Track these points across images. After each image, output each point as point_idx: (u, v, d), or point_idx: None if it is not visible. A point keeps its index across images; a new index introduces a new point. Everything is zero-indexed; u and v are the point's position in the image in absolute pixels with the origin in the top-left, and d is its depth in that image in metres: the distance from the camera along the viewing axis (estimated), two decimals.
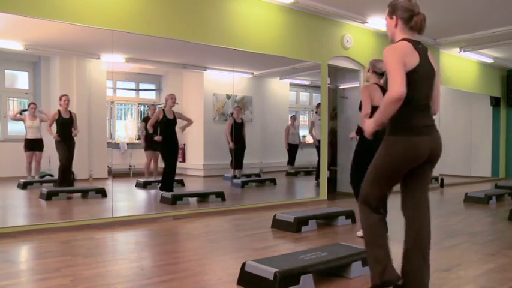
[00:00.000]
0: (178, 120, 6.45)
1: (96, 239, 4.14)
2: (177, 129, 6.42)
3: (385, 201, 3.21)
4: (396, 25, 2.41)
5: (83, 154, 6.14)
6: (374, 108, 4.12)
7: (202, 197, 6.09)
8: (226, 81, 7.04)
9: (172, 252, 3.73)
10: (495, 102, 11.03)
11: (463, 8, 6.49)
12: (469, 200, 6.89)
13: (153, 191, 6.79)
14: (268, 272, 2.64)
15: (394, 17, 2.41)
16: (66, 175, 5.96)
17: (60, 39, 5.56)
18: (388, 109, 2.24)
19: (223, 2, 5.71)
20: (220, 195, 6.07)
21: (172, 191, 6.10)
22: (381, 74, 4.24)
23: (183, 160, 7.62)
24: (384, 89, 4.25)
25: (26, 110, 6.03)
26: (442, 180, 9.06)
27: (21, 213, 5.24)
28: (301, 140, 8.86)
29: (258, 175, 8.17)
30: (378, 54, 7.29)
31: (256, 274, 2.71)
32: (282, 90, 8.84)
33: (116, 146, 7.05)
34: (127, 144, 7.14)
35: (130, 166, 7.13)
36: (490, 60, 9.98)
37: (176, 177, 6.51)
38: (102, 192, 5.73)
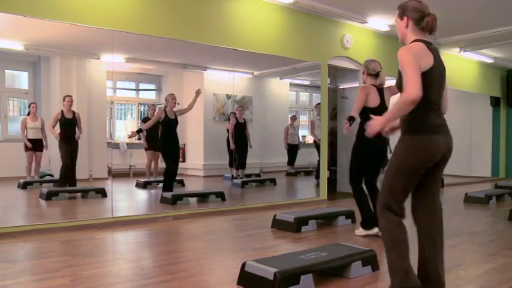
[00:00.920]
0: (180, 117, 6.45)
1: (96, 239, 4.14)
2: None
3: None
4: (407, 26, 2.39)
5: (83, 154, 6.15)
6: (367, 110, 4.12)
7: (202, 197, 6.09)
8: (226, 81, 7.04)
9: (172, 252, 3.73)
10: (495, 102, 11.03)
11: (463, 8, 6.48)
12: (469, 200, 6.88)
13: (153, 191, 6.79)
14: (268, 272, 2.64)
15: (405, 17, 2.39)
16: (68, 174, 5.96)
17: (60, 39, 5.56)
18: (402, 110, 2.23)
19: (223, 2, 5.71)
20: (220, 195, 6.07)
21: (172, 191, 6.10)
22: (375, 75, 4.24)
23: (183, 160, 7.61)
24: (380, 90, 4.24)
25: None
26: (442, 180, 9.03)
27: (21, 213, 5.25)
28: (301, 140, 8.85)
29: (258, 175, 8.16)
30: (378, 54, 7.30)
31: (256, 274, 2.71)
32: (282, 90, 8.84)
33: (116, 146, 7.05)
34: (127, 144, 7.14)
35: (130, 166, 7.13)
36: (490, 60, 9.97)
37: (176, 177, 6.50)
38: (102, 192, 5.74)
